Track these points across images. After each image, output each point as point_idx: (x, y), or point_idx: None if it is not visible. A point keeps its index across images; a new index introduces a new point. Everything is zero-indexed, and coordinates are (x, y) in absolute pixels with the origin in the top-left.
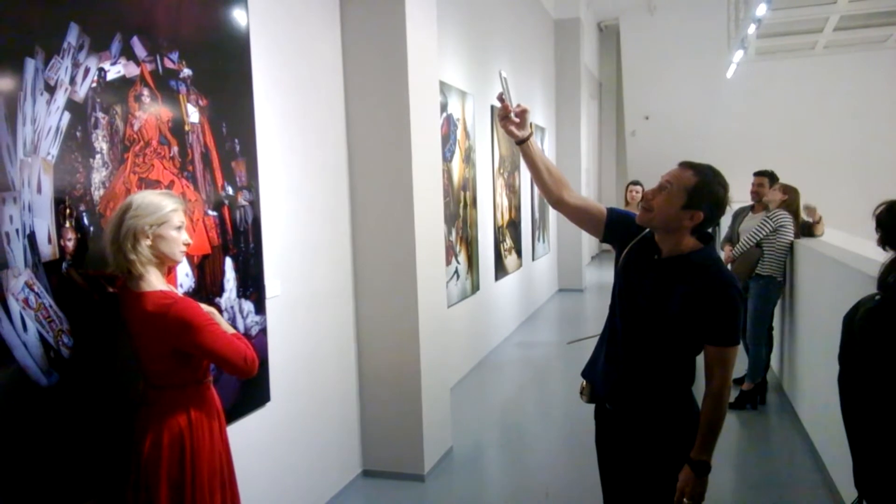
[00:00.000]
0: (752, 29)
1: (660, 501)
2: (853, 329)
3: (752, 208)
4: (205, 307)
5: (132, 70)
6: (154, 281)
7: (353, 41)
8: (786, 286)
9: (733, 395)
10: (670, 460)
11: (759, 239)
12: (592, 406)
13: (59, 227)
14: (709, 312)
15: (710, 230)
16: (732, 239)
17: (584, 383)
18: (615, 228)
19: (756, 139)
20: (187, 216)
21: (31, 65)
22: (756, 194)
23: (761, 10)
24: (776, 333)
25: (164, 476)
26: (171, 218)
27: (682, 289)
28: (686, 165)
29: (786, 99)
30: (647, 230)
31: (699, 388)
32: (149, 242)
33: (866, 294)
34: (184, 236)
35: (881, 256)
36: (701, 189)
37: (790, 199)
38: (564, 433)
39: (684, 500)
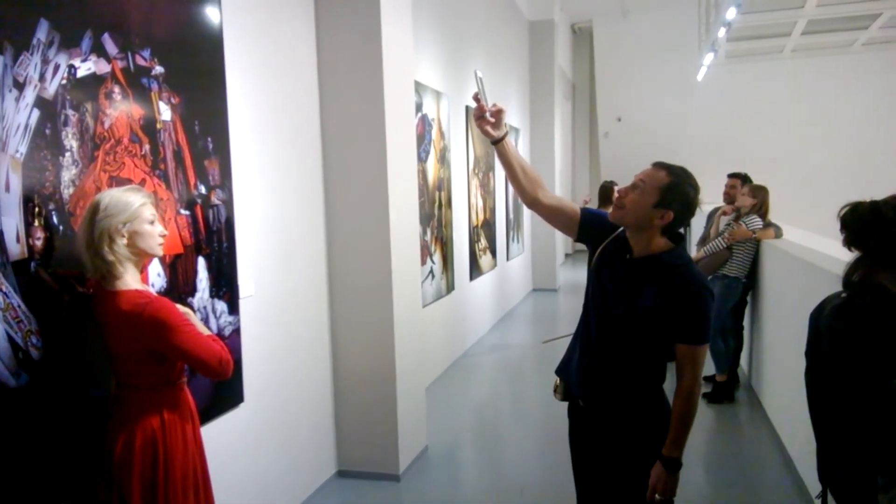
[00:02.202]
0: (722, 32)
1: (632, 497)
2: (819, 325)
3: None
4: (180, 308)
5: (103, 67)
6: (130, 280)
7: (328, 39)
8: (753, 285)
9: (710, 388)
10: (642, 457)
11: (731, 243)
12: (566, 404)
13: (28, 225)
14: (679, 311)
15: (681, 230)
16: (706, 240)
17: (558, 381)
18: (588, 228)
19: (727, 141)
20: (158, 210)
21: None
22: (728, 195)
23: (731, 14)
24: (745, 331)
25: (136, 478)
26: (142, 213)
27: (653, 288)
28: (659, 165)
29: (756, 101)
30: (620, 230)
31: (670, 386)
32: (125, 241)
33: (832, 292)
34: (158, 228)
35: (846, 256)
36: (672, 189)
37: (760, 201)
38: (539, 431)
39: (656, 496)
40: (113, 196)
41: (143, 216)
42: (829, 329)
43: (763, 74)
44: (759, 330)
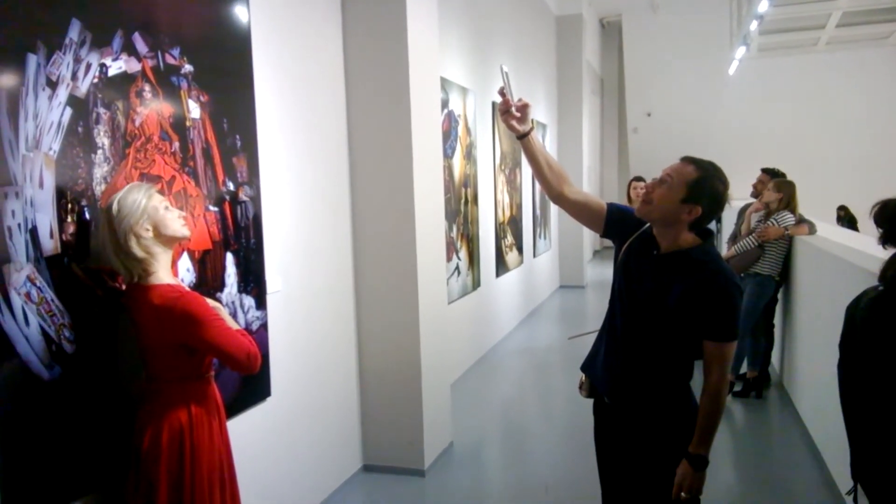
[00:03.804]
0: (754, 25)
1: (658, 495)
2: (855, 317)
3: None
4: (210, 302)
5: (134, 66)
6: (162, 274)
7: (355, 37)
8: (786, 283)
9: (740, 387)
10: (668, 454)
11: (762, 241)
12: (591, 400)
13: (61, 221)
14: (707, 308)
15: (710, 226)
16: (737, 236)
17: (584, 378)
18: (615, 223)
19: (758, 135)
20: (187, 210)
21: (32, 60)
22: (755, 189)
23: (763, 7)
24: (776, 330)
25: (163, 471)
26: (152, 203)
27: (681, 284)
28: (688, 160)
29: (788, 95)
30: (647, 225)
31: (697, 383)
32: (150, 234)
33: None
34: (175, 211)
35: (880, 251)
36: (701, 184)
37: (787, 196)
38: (564, 428)
39: (682, 493)
40: (119, 199)
41: (155, 206)
42: (864, 321)
43: (796, 68)
44: (791, 328)
